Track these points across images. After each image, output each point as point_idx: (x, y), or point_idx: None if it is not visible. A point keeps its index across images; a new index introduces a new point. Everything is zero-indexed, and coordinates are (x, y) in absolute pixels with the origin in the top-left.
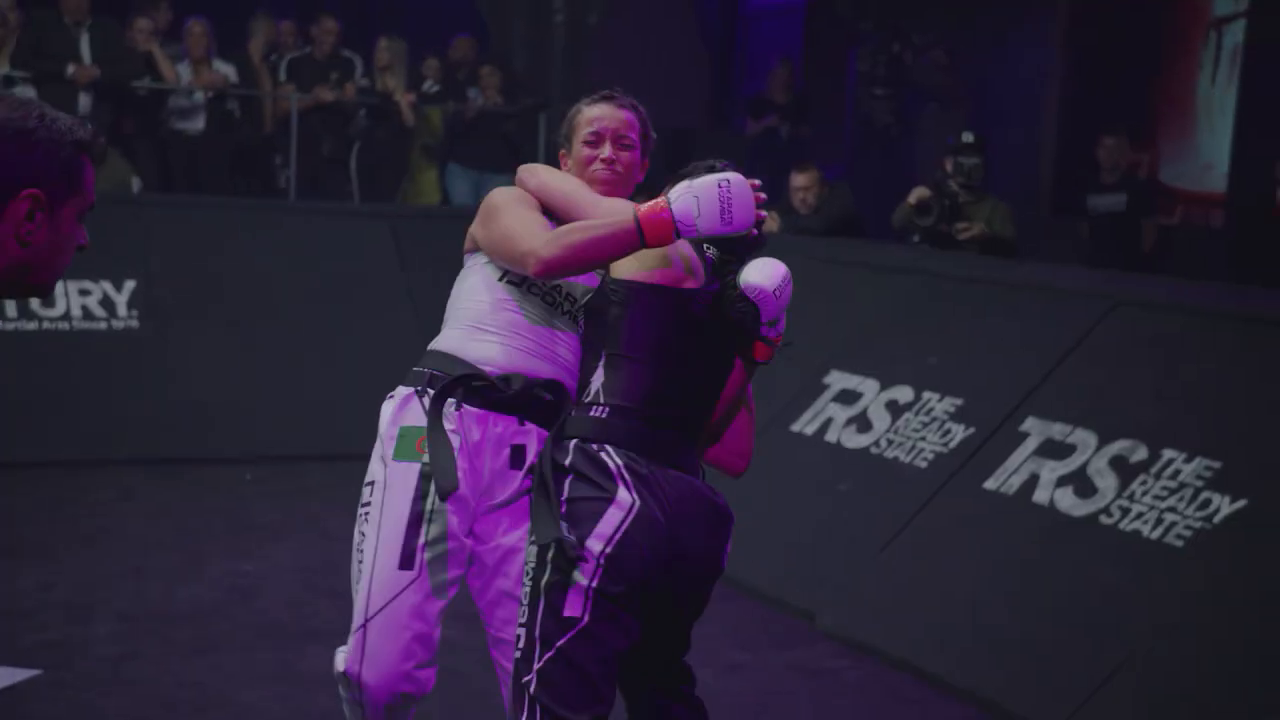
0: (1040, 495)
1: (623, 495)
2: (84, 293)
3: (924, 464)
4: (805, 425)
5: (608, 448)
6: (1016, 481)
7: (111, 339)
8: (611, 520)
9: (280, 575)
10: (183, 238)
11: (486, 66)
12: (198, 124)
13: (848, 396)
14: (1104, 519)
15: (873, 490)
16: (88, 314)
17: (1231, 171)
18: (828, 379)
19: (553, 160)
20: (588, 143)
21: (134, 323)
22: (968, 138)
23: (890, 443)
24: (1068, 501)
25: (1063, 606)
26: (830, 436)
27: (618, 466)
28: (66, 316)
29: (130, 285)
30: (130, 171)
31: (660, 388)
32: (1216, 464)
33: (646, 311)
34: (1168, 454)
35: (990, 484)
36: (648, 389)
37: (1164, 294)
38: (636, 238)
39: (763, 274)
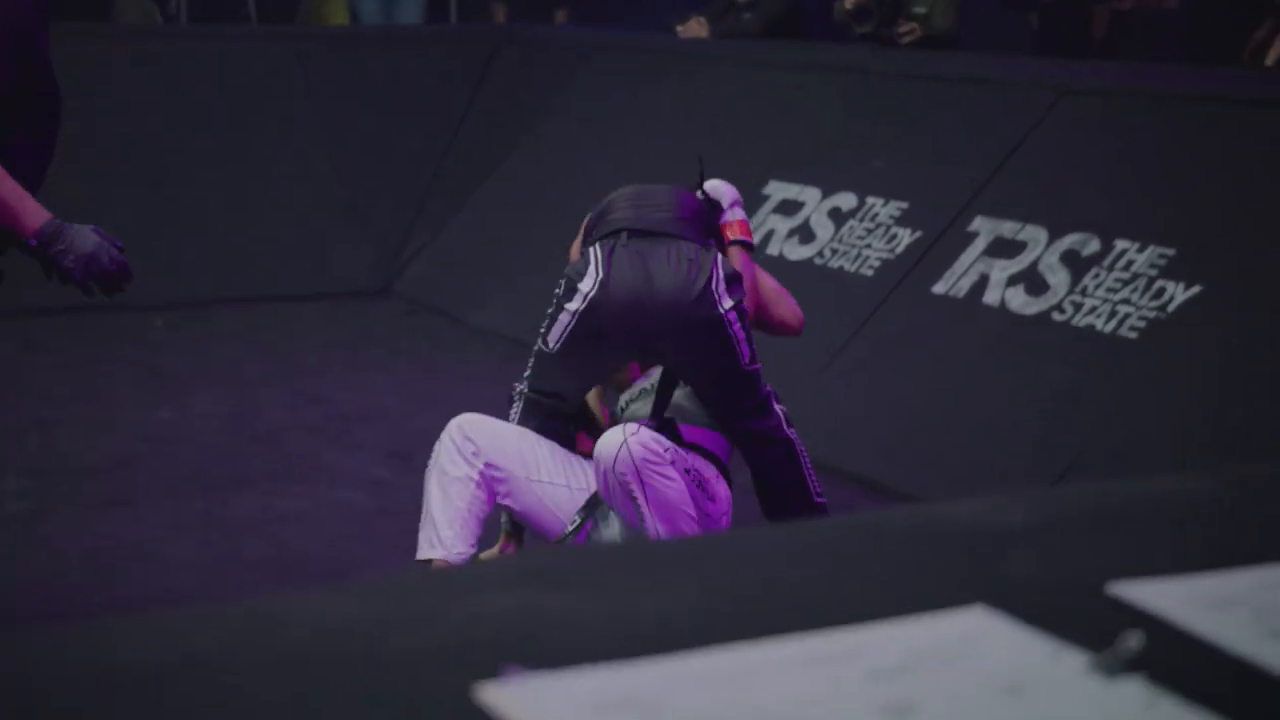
0: (991, 296)
1: None
2: None
3: (870, 272)
4: None
5: None
6: (966, 284)
7: None
8: None
9: (198, 423)
10: (64, 71)
11: None
12: None
13: (788, 207)
14: (1056, 316)
15: (818, 302)
16: None
17: None
18: (767, 190)
19: None
20: None
21: None
22: None
23: (835, 252)
24: (1019, 301)
25: (1016, 407)
26: (772, 250)
27: None
28: None
29: None
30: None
31: None
32: (1170, 251)
33: None
34: (1120, 245)
35: (939, 288)
36: None
37: (1112, 79)
38: None
39: None
